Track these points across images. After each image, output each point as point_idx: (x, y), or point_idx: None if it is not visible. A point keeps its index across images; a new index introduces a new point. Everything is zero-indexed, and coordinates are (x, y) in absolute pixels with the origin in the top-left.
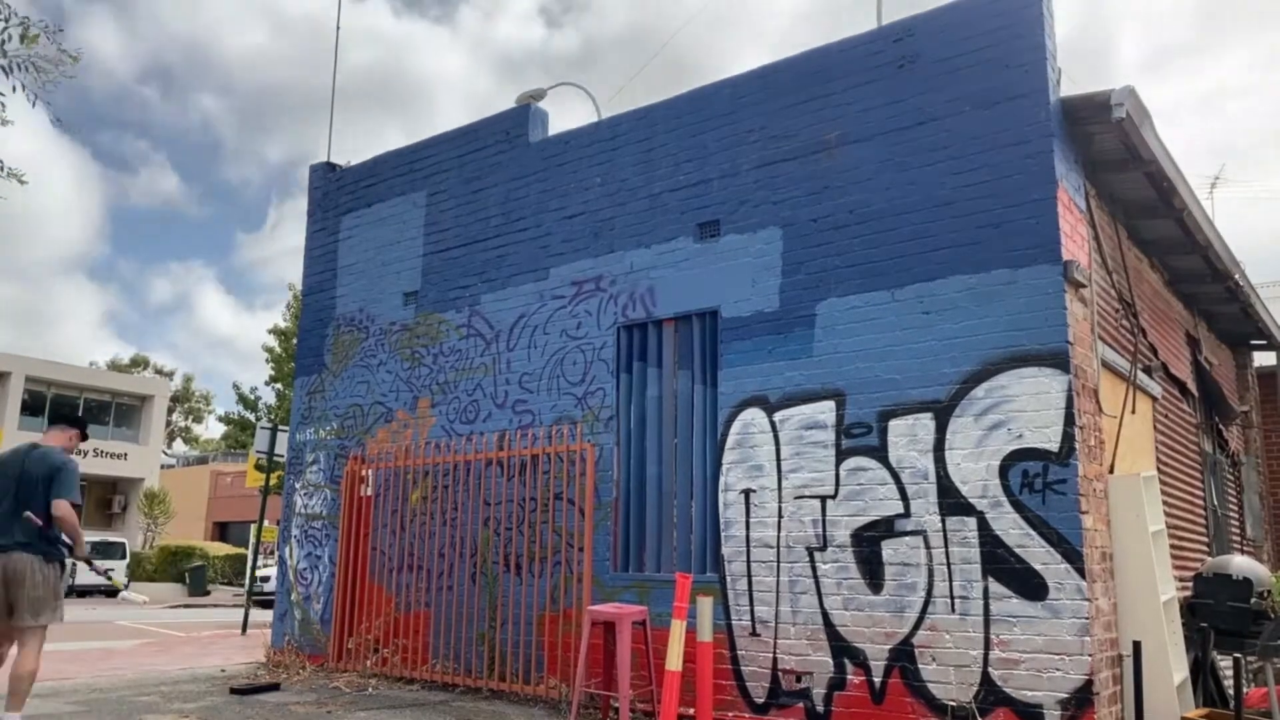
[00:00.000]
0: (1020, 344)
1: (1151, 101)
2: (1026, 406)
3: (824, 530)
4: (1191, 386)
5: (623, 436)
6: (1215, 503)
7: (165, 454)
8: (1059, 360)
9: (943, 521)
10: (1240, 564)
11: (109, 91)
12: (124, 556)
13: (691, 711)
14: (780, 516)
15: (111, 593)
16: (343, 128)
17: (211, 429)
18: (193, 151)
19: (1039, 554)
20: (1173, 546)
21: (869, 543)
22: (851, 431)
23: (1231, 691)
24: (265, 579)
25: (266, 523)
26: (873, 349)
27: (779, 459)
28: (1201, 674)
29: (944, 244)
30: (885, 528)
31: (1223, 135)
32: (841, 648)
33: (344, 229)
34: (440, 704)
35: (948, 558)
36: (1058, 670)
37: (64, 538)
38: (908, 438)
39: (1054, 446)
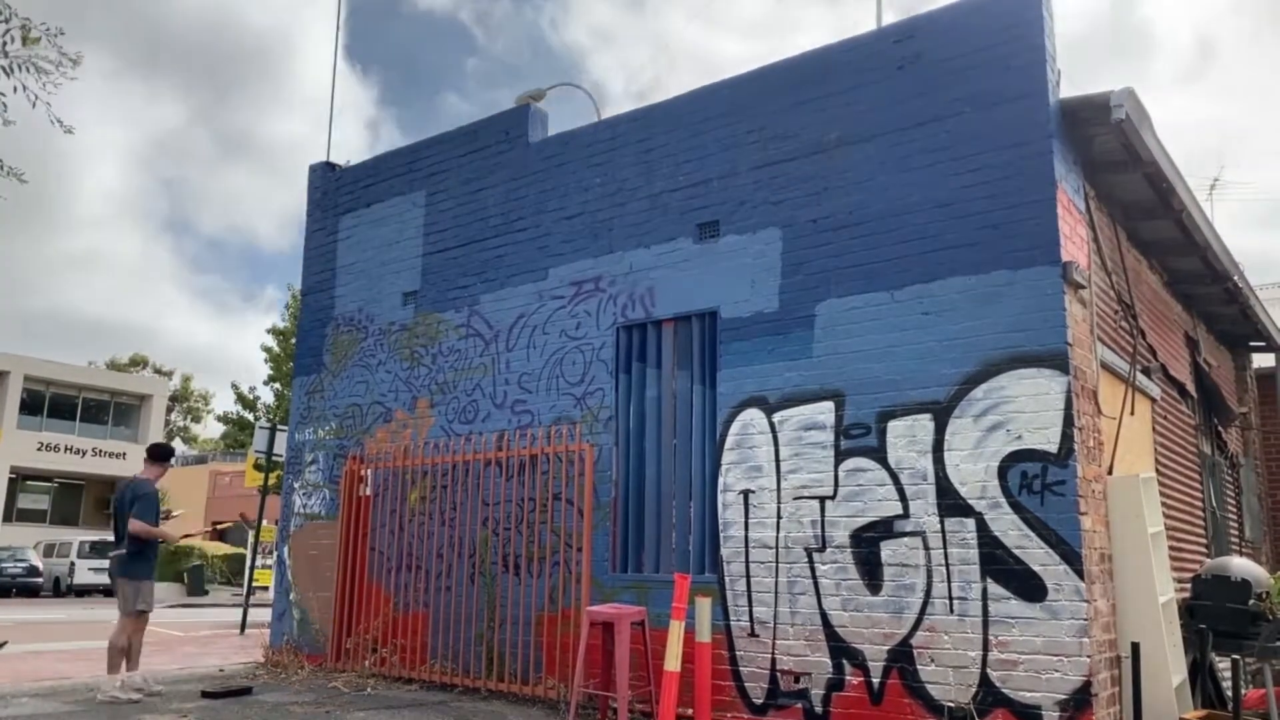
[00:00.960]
0: (1019, 345)
1: None
2: (1025, 408)
3: (823, 531)
4: (1190, 388)
5: (622, 437)
6: (1214, 504)
7: None
8: (1058, 361)
9: (941, 522)
10: (1239, 566)
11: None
12: None
13: (690, 712)
14: (779, 517)
15: (111, 592)
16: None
17: (210, 429)
18: None
19: (1038, 555)
20: (1171, 548)
21: (868, 543)
22: (850, 432)
23: (1230, 693)
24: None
25: (265, 522)
26: (872, 350)
27: (778, 460)
28: (1200, 675)
29: (943, 245)
30: (884, 528)
31: None
32: (840, 648)
33: (343, 229)
34: (439, 704)
35: (946, 559)
36: (1056, 671)
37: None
38: (907, 438)
39: (1053, 448)
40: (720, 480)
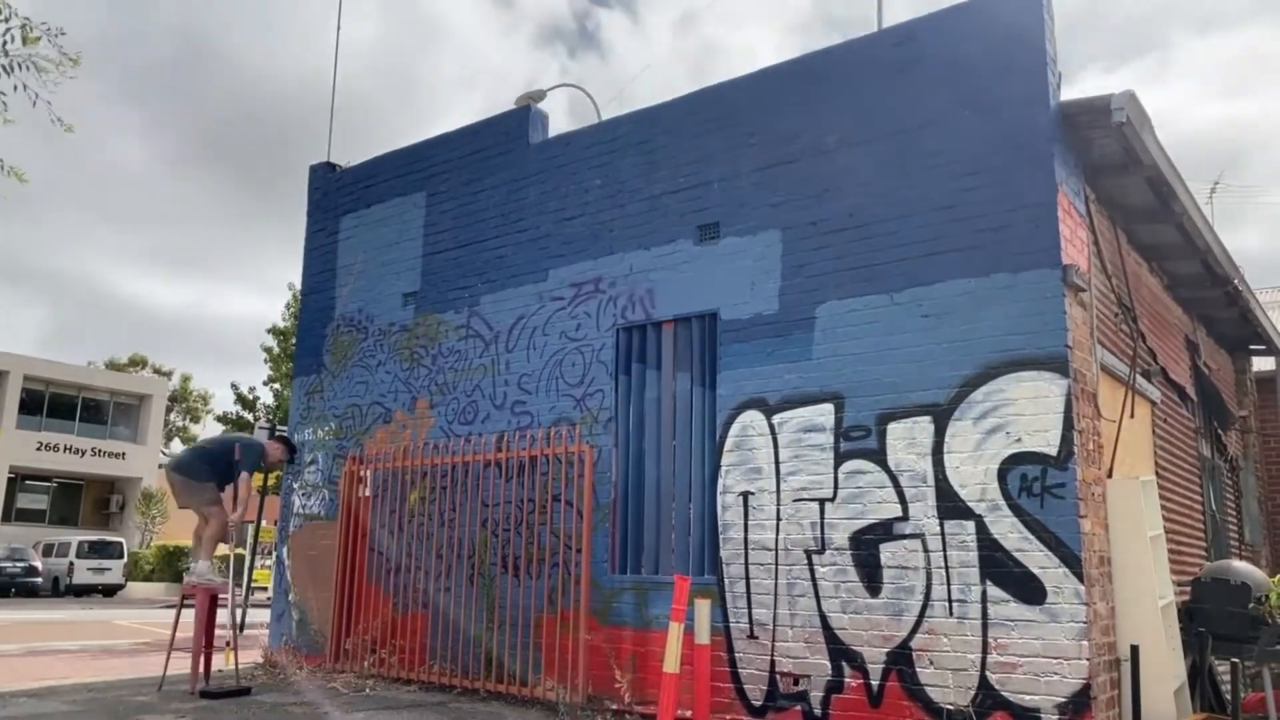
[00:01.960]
0: (1019, 348)
1: None
2: (1025, 410)
3: (822, 533)
4: (1190, 391)
5: (621, 438)
6: (1213, 507)
7: (163, 454)
8: (1058, 364)
9: (941, 525)
10: (1238, 569)
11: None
12: (121, 556)
13: (689, 714)
14: (779, 519)
15: (109, 592)
16: None
17: (210, 429)
18: None
19: (1037, 558)
20: (1171, 551)
21: (867, 546)
22: (850, 434)
23: (1229, 696)
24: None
25: (264, 522)
26: (872, 352)
27: (777, 462)
28: (1199, 679)
29: (943, 248)
30: (883, 531)
31: None
32: (839, 650)
33: (343, 229)
34: (437, 705)
35: (946, 561)
36: (1055, 674)
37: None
38: (906, 441)
39: (1053, 450)
40: (720, 482)
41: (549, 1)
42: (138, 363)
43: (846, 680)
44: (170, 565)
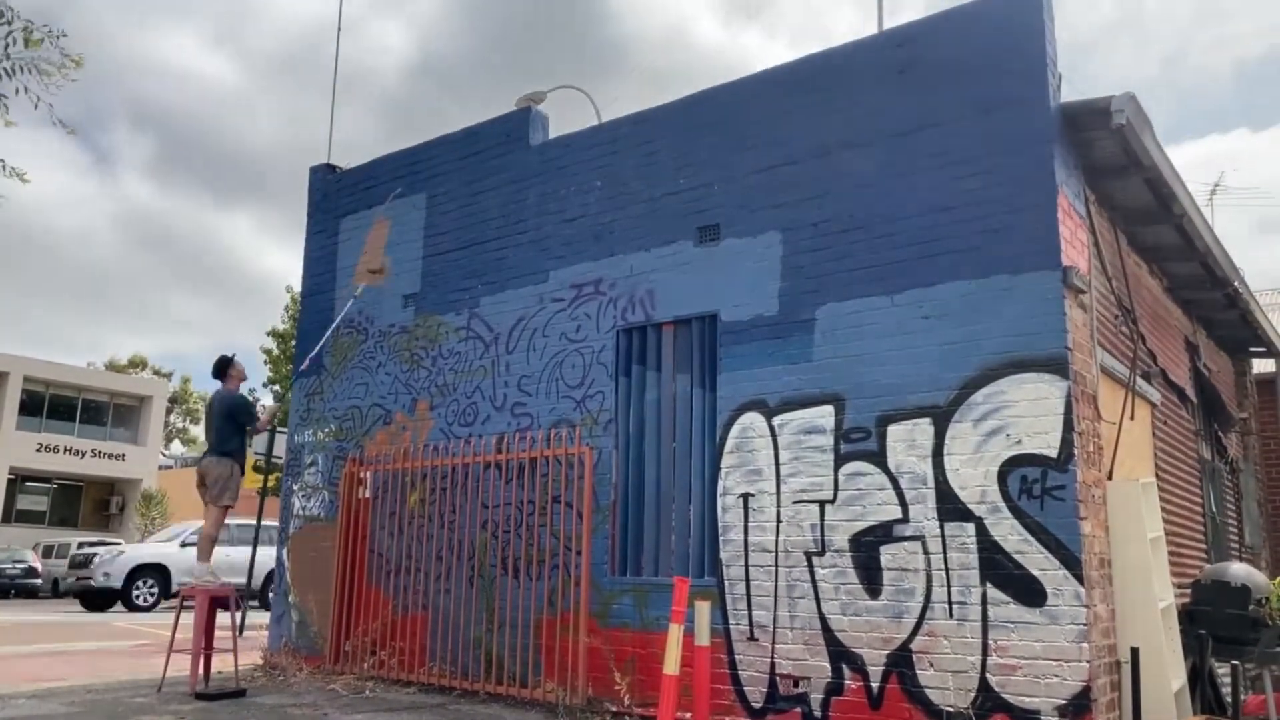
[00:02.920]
0: (1019, 349)
1: None
2: (1025, 412)
3: (822, 535)
4: (1190, 393)
5: (621, 440)
6: (1214, 509)
7: (163, 455)
8: (1058, 366)
9: (941, 527)
10: (1238, 571)
11: None
12: None
13: (689, 716)
14: (778, 521)
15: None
16: None
17: None
18: None
19: (1037, 560)
20: (1171, 553)
21: (867, 548)
22: (850, 436)
23: (1229, 699)
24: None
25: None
26: (872, 354)
27: (777, 463)
28: (1199, 681)
29: (944, 249)
30: (883, 533)
31: None
32: (839, 653)
33: (343, 231)
34: (437, 707)
35: (946, 563)
36: (1056, 676)
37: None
38: (906, 443)
39: (1053, 452)
40: (720, 484)
41: None
42: (138, 364)
43: (846, 682)
44: None
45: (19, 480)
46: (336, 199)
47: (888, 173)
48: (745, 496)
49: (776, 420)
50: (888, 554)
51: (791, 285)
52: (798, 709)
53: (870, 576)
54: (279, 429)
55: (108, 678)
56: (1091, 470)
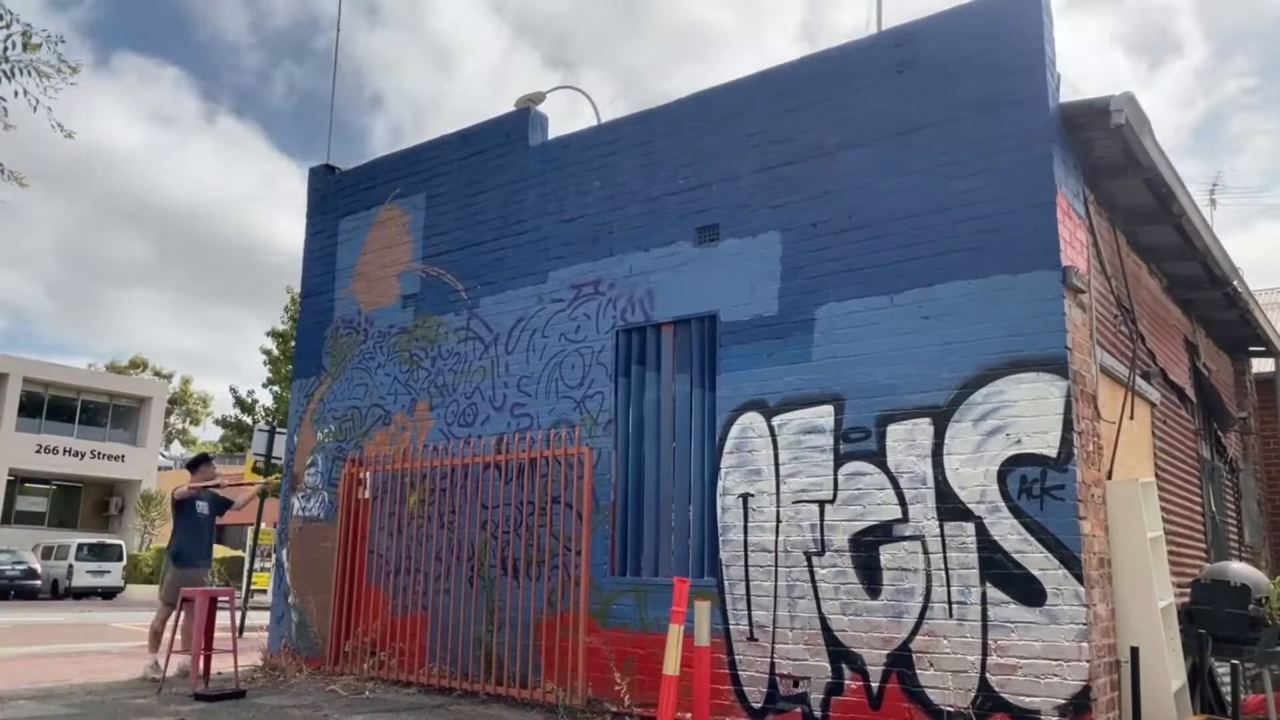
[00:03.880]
0: (1019, 349)
1: None
2: (1025, 412)
3: (822, 535)
4: (1190, 393)
5: (621, 440)
6: (1213, 509)
7: (163, 456)
8: (1058, 366)
9: (941, 527)
10: (1238, 570)
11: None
12: (120, 558)
13: (689, 716)
14: (778, 521)
15: (108, 595)
16: None
17: (209, 431)
18: None
19: (1037, 560)
20: (1171, 553)
21: (867, 548)
22: (850, 436)
23: (1229, 698)
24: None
25: (264, 525)
26: (871, 354)
27: (777, 463)
28: (1199, 680)
29: (943, 249)
30: (883, 533)
31: None
32: (839, 653)
33: (343, 231)
34: (437, 707)
35: (946, 563)
36: (1055, 676)
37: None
38: (906, 443)
39: (1052, 452)
40: (719, 484)
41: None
42: (138, 365)
43: (846, 682)
44: None
45: (18, 481)
46: (336, 199)
47: (887, 173)
48: (745, 496)
49: (776, 420)
50: (887, 554)
51: (791, 285)
52: (798, 709)
53: (870, 576)
54: (279, 429)
55: (107, 678)
56: (1091, 470)
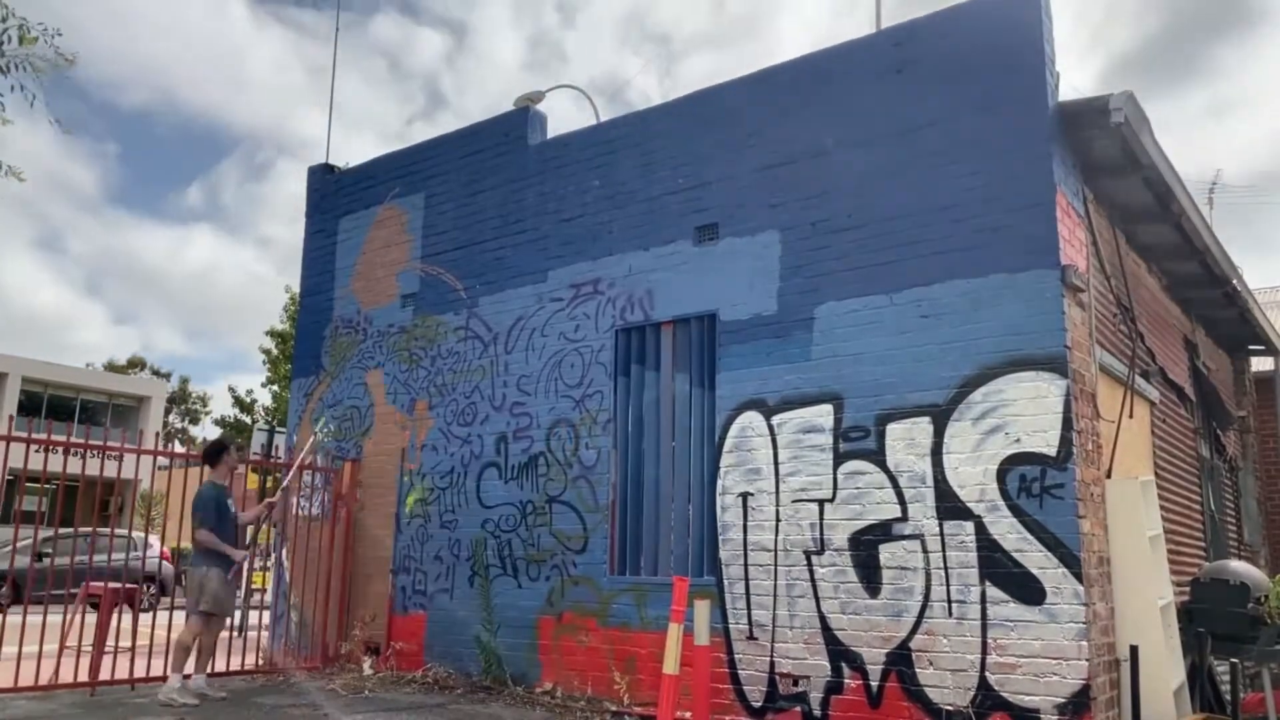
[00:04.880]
0: (1018, 348)
1: None
2: (1024, 411)
3: (821, 534)
4: (1189, 391)
5: (620, 439)
6: (1212, 508)
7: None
8: (1057, 365)
9: (940, 525)
10: (1237, 569)
11: None
12: None
13: (688, 715)
14: (778, 520)
15: None
16: None
17: (208, 431)
18: None
19: (1036, 558)
20: (1170, 551)
21: (866, 546)
22: (849, 435)
23: (1229, 696)
24: None
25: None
26: (871, 353)
27: (777, 462)
28: (1199, 679)
29: (942, 248)
30: (883, 531)
31: None
32: (838, 651)
33: (342, 231)
34: (437, 707)
35: (945, 562)
36: (1055, 675)
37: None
38: (905, 441)
39: (1052, 451)
40: (719, 483)
41: None
42: (136, 365)
43: (846, 681)
44: None
45: (17, 481)
46: (335, 199)
47: (886, 172)
48: (744, 496)
49: (775, 419)
50: (887, 553)
51: (790, 284)
52: (797, 708)
53: (869, 575)
54: (278, 429)
55: (107, 677)
56: (1090, 468)
